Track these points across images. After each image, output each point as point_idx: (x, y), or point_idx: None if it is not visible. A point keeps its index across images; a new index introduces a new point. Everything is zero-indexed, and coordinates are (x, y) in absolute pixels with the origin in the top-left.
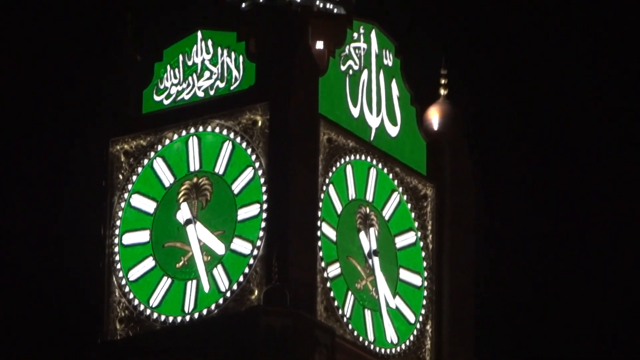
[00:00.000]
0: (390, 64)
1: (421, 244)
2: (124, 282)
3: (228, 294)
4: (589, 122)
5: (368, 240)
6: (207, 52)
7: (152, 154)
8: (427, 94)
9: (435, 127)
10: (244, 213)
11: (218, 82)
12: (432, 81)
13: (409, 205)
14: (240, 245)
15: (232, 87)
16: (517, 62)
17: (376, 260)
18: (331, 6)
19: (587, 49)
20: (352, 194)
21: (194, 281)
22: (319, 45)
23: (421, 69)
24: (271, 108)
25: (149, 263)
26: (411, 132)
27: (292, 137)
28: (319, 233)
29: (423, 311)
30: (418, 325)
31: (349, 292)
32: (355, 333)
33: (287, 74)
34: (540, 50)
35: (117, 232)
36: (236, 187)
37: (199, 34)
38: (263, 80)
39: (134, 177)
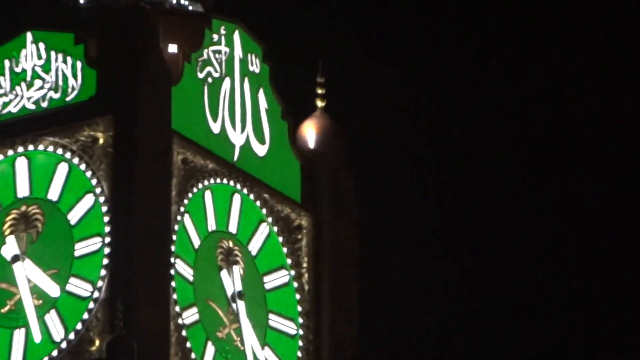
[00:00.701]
0: (257, 70)
1: (295, 284)
2: None
3: (63, 345)
4: (489, 132)
5: (231, 281)
6: (39, 57)
7: None
8: (301, 106)
9: (311, 145)
10: (82, 248)
11: (52, 93)
12: (307, 91)
13: (281, 239)
14: (78, 287)
15: (68, 98)
16: (410, 66)
17: (241, 304)
18: (186, 3)
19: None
20: (212, 225)
21: (23, 329)
22: (172, 48)
23: (294, 76)
24: (115, 123)
25: None
26: (282, 151)
27: (139, 157)
28: (172, 272)
29: None
30: None
31: (209, 342)
32: None
33: (133, 82)
34: (437, 53)
35: None
36: (73, 217)
37: (29, 35)
38: (105, 90)
39: None
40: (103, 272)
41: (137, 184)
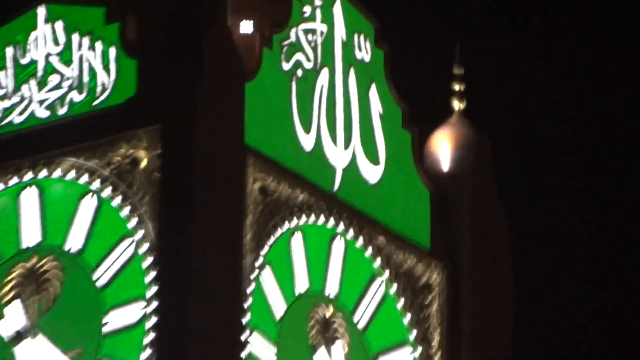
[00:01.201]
0: (367, 58)
1: None
2: None
3: None
4: None
5: None
6: (55, 43)
7: None
8: (431, 109)
9: (446, 165)
10: (116, 319)
11: (73, 94)
12: (440, 88)
13: (402, 302)
14: None
15: (96, 102)
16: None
17: None
18: None
19: None
20: (302, 284)
21: None
22: (246, 27)
23: (422, 66)
24: (164, 137)
25: None
26: (404, 175)
27: (199, 186)
28: (245, 352)
29: None
30: None
31: None
32: None
33: (191, 77)
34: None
35: None
36: (103, 274)
37: (41, 10)
38: (150, 89)
39: None
40: (145, 353)
41: (196, 224)
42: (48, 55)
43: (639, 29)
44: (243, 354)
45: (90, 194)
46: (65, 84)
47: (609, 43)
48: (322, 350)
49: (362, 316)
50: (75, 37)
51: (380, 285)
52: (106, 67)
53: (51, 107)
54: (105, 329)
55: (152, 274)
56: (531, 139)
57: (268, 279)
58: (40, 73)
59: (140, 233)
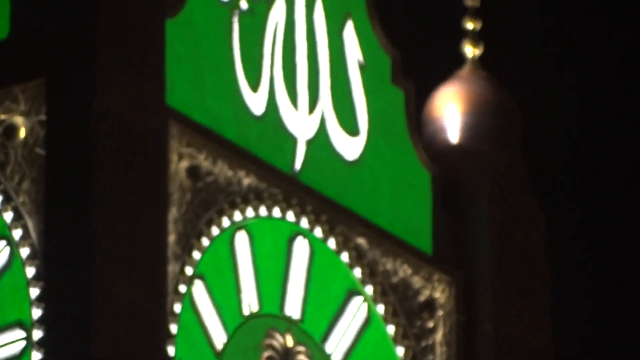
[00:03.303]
0: None
1: None
2: None
3: None
4: None
5: None
6: None
7: None
8: (435, 55)
9: (455, 136)
10: None
11: None
12: (447, 27)
13: (392, 328)
14: None
15: None
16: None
17: None
18: None
19: None
20: (250, 302)
21: None
22: None
23: None
24: (50, 96)
25: None
26: (395, 149)
27: (101, 166)
28: None
29: None
30: None
31: None
32: None
33: (87, 9)
34: None
35: None
36: None
37: None
38: (29, 29)
39: None
40: None
41: (98, 221)
42: None
43: None
44: None
45: None
46: None
47: None
48: None
49: (336, 347)
50: None
51: (361, 304)
52: None
53: None
54: None
55: (35, 291)
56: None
57: (201, 297)
58: None
59: (17, 233)
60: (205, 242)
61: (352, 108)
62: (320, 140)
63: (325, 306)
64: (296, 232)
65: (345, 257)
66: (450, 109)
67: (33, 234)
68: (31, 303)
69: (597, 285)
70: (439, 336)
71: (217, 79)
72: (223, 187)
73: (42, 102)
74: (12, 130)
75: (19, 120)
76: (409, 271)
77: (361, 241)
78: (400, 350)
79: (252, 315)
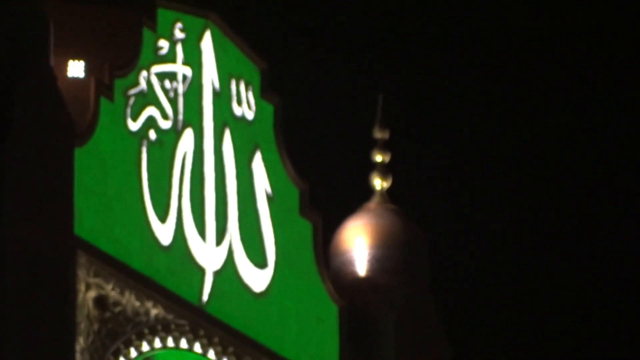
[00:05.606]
0: (250, 115)
1: None
2: None
3: None
4: None
5: None
6: None
7: None
8: (344, 187)
9: (362, 269)
10: None
11: None
12: (356, 159)
13: None
14: None
15: None
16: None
17: None
18: None
19: None
20: None
21: None
22: (76, 69)
23: (328, 127)
24: None
25: None
26: (302, 282)
27: (10, 296)
28: None
29: None
30: None
31: None
32: None
33: None
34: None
35: None
36: None
37: None
38: None
39: None
40: None
41: (3, 353)
42: None
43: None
44: None
45: None
46: None
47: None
48: None
49: None
50: None
51: None
52: None
53: None
54: None
55: None
56: (480, 233)
57: None
58: None
59: None
60: None
61: (260, 240)
62: (227, 272)
63: None
64: None
65: None
66: (358, 242)
67: None
68: None
69: None
70: None
71: (126, 209)
72: (131, 318)
73: None
74: None
75: None
76: None
77: None
78: None
79: None
